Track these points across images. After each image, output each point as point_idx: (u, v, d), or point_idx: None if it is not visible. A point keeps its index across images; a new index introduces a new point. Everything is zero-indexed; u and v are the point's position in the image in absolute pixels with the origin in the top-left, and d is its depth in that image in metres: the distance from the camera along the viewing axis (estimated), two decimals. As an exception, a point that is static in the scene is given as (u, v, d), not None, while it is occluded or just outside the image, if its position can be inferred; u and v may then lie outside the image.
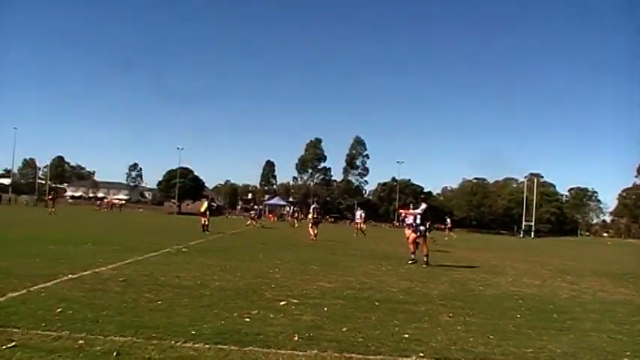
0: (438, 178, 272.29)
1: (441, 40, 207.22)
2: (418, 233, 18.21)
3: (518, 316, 9.47)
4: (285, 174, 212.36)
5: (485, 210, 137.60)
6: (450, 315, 9.01)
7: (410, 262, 17.67)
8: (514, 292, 12.74)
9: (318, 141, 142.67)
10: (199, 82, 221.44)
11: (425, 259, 17.85)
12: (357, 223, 38.67)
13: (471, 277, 15.33)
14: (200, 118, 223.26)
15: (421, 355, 6.30)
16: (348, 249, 24.46)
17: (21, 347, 5.71)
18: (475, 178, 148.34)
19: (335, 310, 8.84)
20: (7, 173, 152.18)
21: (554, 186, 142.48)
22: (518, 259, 25.54)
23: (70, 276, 10.85)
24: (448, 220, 52.88)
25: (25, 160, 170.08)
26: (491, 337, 7.50)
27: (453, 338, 7.25)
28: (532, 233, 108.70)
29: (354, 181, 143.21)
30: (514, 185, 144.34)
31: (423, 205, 18.58)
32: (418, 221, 18.28)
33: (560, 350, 6.99)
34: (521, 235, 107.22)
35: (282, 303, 9.21)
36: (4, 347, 5.66)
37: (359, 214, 38.64)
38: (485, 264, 20.46)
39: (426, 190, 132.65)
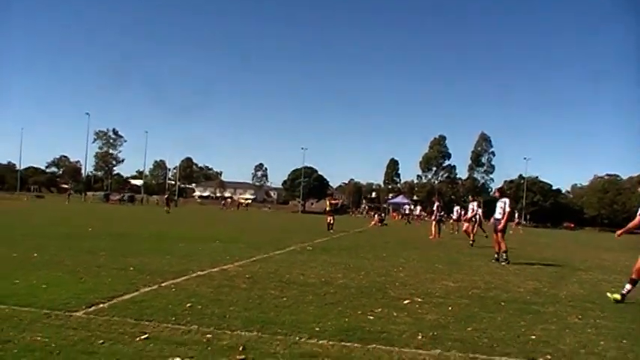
0: (567, 175, 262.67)
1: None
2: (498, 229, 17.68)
3: (655, 320, 9.08)
4: (409, 172, 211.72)
5: (618, 208, 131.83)
6: (579, 317, 8.71)
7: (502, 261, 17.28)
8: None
9: (443, 138, 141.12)
10: (320, 84, 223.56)
11: (504, 255, 17.40)
12: (453, 220, 37.88)
13: (601, 277, 14.78)
14: (324, 118, 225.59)
15: (548, 357, 6.13)
16: (473, 248, 24.09)
17: (153, 339, 5.94)
18: (607, 175, 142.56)
19: (460, 310, 8.75)
20: (139, 175, 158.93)
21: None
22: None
23: (198, 273, 11.26)
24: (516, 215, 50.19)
25: (155, 161, 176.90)
26: (624, 341, 7.19)
27: (582, 341, 7.01)
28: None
29: (479, 178, 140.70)
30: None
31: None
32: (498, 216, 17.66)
33: (700, 357, 6.64)
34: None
35: (406, 302, 9.19)
36: (137, 339, 5.92)
37: (456, 209, 37.82)
38: (617, 264, 19.64)
39: (554, 188, 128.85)
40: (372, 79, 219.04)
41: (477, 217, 26.78)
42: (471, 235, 25.80)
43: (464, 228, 27.49)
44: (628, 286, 10.29)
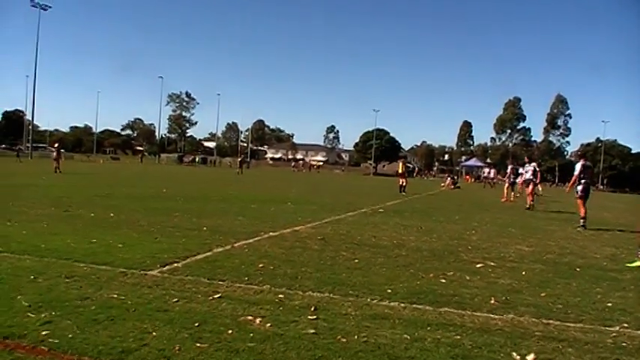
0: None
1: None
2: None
3: None
4: (483, 135, 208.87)
5: None
6: (659, 285, 8.49)
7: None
8: None
9: (518, 100, 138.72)
10: (392, 45, 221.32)
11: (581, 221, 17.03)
12: (487, 179, 37.46)
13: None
14: (395, 80, 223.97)
15: (625, 325, 5.97)
16: (548, 212, 23.66)
17: (226, 298, 6.05)
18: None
19: (533, 275, 8.62)
20: (212, 137, 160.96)
21: None
22: None
23: (270, 234, 11.39)
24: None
25: (228, 124, 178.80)
26: None
27: (662, 310, 6.83)
28: None
29: (555, 141, 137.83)
30: None
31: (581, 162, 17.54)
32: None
33: None
34: None
35: (478, 265, 9.11)
36: (210, 298, 6.03)
37: (487, 170, 37.39)
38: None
39: (633, 152, 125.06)
40: (445, 39, 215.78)
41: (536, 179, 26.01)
42: (530, 197, 25.14)
43: (528, 191, 26.59)
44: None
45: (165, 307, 5.60)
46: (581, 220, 16.79)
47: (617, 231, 16.94)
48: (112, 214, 13.24)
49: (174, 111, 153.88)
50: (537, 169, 26.11)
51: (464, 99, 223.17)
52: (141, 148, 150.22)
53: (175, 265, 7.70)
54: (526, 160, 28.06)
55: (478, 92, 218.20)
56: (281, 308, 5.81)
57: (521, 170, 29.40)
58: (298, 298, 6.23)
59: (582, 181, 17.13)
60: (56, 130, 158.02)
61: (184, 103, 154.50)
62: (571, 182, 17.50)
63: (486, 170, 70.19)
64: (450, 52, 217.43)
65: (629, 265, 10.01)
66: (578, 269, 9.43)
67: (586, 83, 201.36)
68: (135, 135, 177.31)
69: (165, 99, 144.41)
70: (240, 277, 7.13)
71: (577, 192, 17.10)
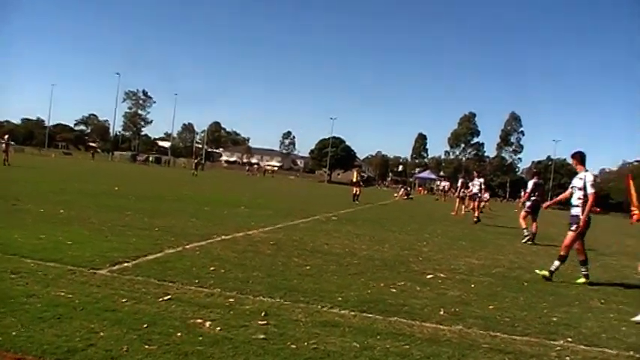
0: (596, 160, 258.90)
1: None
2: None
3: (679, 307, 9.00)
4: (437, 148, 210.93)
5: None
6: (602, 301, 8.66)
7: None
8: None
9: (473, 115, 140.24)
10: (353, 54, 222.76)
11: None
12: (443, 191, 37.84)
13: (626, 263, 14.63)
14: (354, 89, 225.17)
15: (569, 340, 6.10)
16: (498, 227, 23.99)
17: (176, 300, 6.00)
18: (636, 161, 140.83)
19: (482, 288, 8.74)
20: (167, 137, 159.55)
21: None
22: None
23: (223, 237, 11.35)
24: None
25: (184, 124, 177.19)
26: (647, 327, 7.16)
27: (603, 325, 6.97)
28: None
29: (507, 157, 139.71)
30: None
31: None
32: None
33: None
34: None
35: (429, 276, 9.20)
36: (160, 299, 5.98)
37: (442, 183, 37.86)
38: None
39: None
40: (404, 51, 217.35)
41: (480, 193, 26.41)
42: (476, 212, 25.46)
43: (471, 205, 27.01)
44: (557, 263, 10.21)
45: (113, 307, 5.53)
46: (524, 231, 17.26)
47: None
48: (62, 210, 13.03)
49: (130, 108, 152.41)
50: (483, 185, 26.48)
51: (420, 112, 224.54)
52: (94, 145, 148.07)
53: (125, 264, 7.61)
54: (475, 175, 28.33)
55: (435, 106, 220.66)
56: (231, 312, 5.78)
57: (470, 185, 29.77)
58: (249, 303, 6.21)
59: (532, 198, 17.67)
60: (7, 121, 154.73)
61: (141, 101, 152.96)
62: (523, 198, 17.97)
63: (441, 183, 70.93)
64: (409, 65, 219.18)
65: (574, 281, 10.19)
66: (525, 283, 9.60)
67: (539, 102, 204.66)
68: (89, 131, 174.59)
69: (121, 96, 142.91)
70: (191, 279, 7.08)
71: (525, 207, 17.67)
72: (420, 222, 22.51)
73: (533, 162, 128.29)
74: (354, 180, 34.11)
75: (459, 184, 31.89)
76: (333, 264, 9.42)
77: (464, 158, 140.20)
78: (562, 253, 10.30)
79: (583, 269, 10.35)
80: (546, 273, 10.18)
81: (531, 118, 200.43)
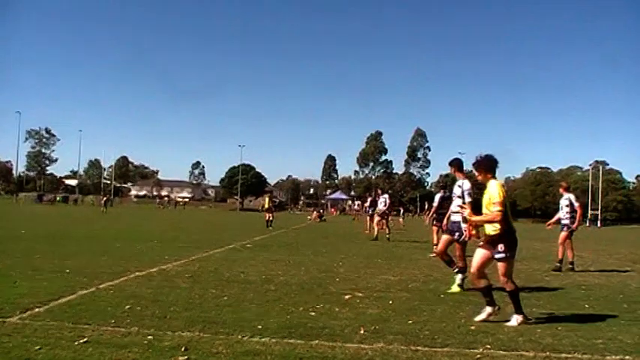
0: (501, 168, 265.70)
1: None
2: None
3: (587, 306, 9.31)
4: (347, 168, 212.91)
5: (549, 199, 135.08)
6: (517, 306, 8.90)
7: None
8: (581, 282, 12.50)
9: (379, 134, 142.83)
10: (257, 79, 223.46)
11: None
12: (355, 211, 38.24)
13: (536, 267, 15.11)
14: (260, 115, 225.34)
15: (488, 347, 6.23)
16: (412, 242, 24.37)
17: (92, 343, 5.83)
18: (539, 168, 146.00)
19: (400, 303, 8.84)
20: (73, 174, 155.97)
21: (620, 173, 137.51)
22: (585, 248, 24.94)
23: (137, 273, 11.12)
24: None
25: (90, 160, 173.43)
26: (559, 328, 7.36)
27: (520, 330, 7.17)
28: (598, 222, 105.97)
29: (415, 173, 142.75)
30: (579, 173, 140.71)
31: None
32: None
33: (631, 341, 6.78)
34: (587, 225, 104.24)
35: (347, 297, 9.25)
36: (76, 343, 5.80)
37: (354, 203, 38.29)
38: (550, 254, 20.07)
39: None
40: (307, 75, 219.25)
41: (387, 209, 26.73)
42: (386, 228, 25.77)
43: (375, 222, 27.18)
44: (460, 276, 10.42)
45: (27, 355, 5.33)
46: (434, 247, 17.57)
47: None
48: (-36, 259, 12.52)
49: (33, 148, 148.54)
50: (387, 200, 26.75)
51: (328, 133, 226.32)
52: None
53: (37, 310, 7.33)
54: (379, 192, 28.63)
55: (342, 127, 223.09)
56: (150, 350, 5.66)
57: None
58: (168, 339, 6.09)
59: (440, 212, 18.01)
60: None
61: (44, 140, 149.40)
62: (430, 213, 18.28)
63: (353, 203, 71.59)
64: (313, 87, 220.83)
65: (447, 291, 10.29)
66: (442, 295, 9.78)
67: (443, 115, 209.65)
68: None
69: (23, 135, 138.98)
70: (107, 319, 6.89)
71: (433, 221, 18.04)
72: (334, 243, 22.66)
73: (440, 175, 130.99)
74: (266, 206, 34.04)
75: (368, 201, 32.28)
76: (251, 292, 9.36)
77: (373, 176, 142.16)
78: (459, 265, 10.49)
79: (459, 277, 10.47)
80: (456, 289, 10.33)
81: (437, 133, 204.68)
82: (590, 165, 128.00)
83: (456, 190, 10.75)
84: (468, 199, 10.37)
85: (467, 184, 10.58)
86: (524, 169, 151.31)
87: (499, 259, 7.66)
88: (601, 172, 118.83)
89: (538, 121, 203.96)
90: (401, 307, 8.54)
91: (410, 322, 7.41)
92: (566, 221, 15.12)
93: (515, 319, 7.53)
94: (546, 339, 6.70)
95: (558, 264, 14.76)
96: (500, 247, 7.60)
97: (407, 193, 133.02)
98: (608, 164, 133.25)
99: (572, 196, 15.43)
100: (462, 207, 9.61)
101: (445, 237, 10.94)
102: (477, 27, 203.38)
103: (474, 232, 8.57)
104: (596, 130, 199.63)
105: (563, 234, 15.04)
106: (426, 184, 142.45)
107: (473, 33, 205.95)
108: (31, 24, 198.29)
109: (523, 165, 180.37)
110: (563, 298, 10.02)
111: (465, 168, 11.11)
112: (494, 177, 7.86)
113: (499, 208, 7.47)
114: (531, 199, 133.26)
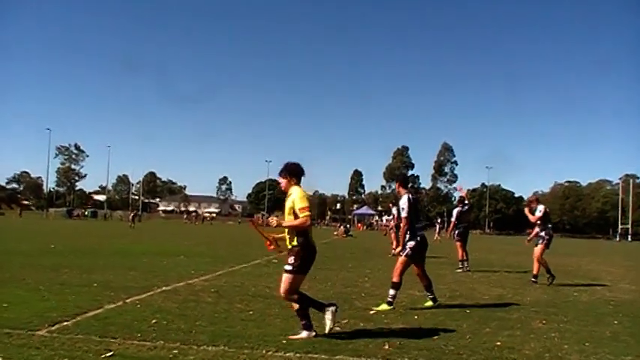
0: (529, 182, 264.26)
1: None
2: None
3: (616, 322, 9.21)
4: (373, 183, 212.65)
5: (578, 214, 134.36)
6: (544, 322, 8.84)
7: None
8: (610, 297, 12.39)
9: (406, 148, 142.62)
10: (283, 96, 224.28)
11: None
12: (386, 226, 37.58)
13: (564, 282, 14.97)
14: (287, 130, 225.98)
15: (514, 363, 6.20)
16: (438, 257, 24.24)
17: (118, 356, 5.90)
18: (567, 181, 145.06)
19: (425, 319, 8.82)
20: (102, 190, 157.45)
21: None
22: (615, 263, 24.71)
23: (163, 288, 11.18)
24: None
25: (119, 176, 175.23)
26: (587, 344, 7.30)
27: (546, 346, 7.12)
28: (629, 237, 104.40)
29: (442, 188, 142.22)
30: (608, 187, 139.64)
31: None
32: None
33: (660, 358, 6.74)
34: (618, 239, 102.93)
35: (372, 312, 9.24)
36: (102, 356, 5.86)
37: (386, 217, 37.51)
38: (579, 269, 19.97)
39: (516, 196, 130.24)
40: (335, 89, 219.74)
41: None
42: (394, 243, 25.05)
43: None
44: (392, 292, 9.89)
45: (53, 368, 5.40)
46: (459, 263, 17.55)
47: (504, 272, 17.55)
48: (-5, 273, 12.68)
49: (62, 164, 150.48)
50: (394, 212, 25.87)
51: (354, 148, 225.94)
52: (27, 203, 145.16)
53: (65, 323, 7.42)
54: (390, 205, 28.09)
55: (369, 142, 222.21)
56: (175, 364, 5.70)
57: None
58: (193, 353, 6.13)
59: (460, 225, 18.14)
60: None
61: (73, 156, 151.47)
62: (450, 228, 18.37)
63: (381, 218, 71.10)
64: (340, 103, 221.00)
65: (375, 308, 9.74)
66: (468, 311, 9.72)
67: (471, 131, 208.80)
68: (21, 189, 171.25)
69: (53, 151, 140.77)
70: (133, 333, 6.95)
71: (454, 236, 18.09)
72: (360, 258, 22.61)
73: (468, 190, 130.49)
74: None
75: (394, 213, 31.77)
76: (276, 307, 9.35)
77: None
78: (394, 279, 9.94)
79: (392, 293, 9.91)
80: (386, 307, 9.70)
81: (464, 147, 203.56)
82: (620, 178, 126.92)
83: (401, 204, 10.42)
84: (403, 215, 10.17)
85: (402, 200, 10.25)
86: (552, 182, 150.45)
87: (285, 271, 7.37)
88: (631, 186, 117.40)
89: (566, 133, 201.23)
90: (426, 322, 8.52)
91: (435, 337, 7.38)
92: (542, 233, 14.93)
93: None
94: (573, 355, 6.65)
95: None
96: (291, 259, 7.39)
97: (434, 208, 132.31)
98: (638, 178, 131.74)
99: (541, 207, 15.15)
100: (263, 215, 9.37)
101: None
102: (514, 44, 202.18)
103: (272, 246, 8.28)
104: (626, 142, 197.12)
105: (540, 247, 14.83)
106: (453, 198, 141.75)
107: (506, 52, 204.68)
108: (63, 42, 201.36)
109: (552, 178, 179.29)
110: (591, 314, 9.92)
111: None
112: (298, 184, 7.68)
113: (308, 213, 7.44)
114: (560, 214, 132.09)
